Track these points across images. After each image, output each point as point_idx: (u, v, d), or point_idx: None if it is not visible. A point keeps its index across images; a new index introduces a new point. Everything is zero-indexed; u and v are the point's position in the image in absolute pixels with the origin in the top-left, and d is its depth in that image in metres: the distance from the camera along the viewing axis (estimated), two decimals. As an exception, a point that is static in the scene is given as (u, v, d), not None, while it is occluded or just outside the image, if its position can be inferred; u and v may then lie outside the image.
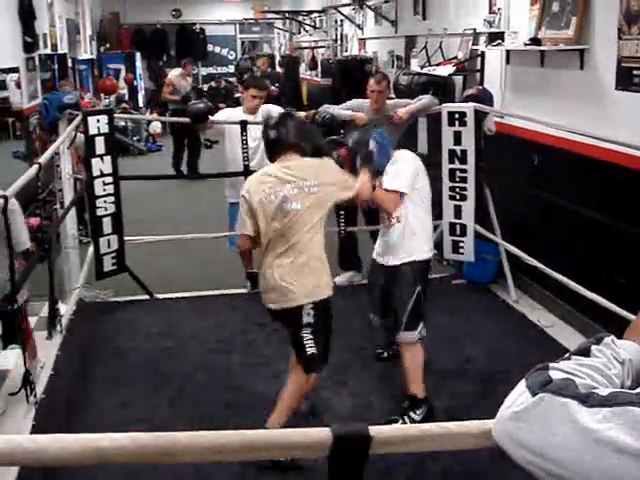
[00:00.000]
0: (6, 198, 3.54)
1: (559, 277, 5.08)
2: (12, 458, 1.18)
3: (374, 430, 1.22)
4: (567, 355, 1.18)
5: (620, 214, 4.69)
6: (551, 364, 1.15)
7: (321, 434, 1.22)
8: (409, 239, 4.06)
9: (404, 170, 4.02)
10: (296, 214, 3.56)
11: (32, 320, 5.39)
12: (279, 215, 3.56)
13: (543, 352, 4.52)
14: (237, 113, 5.91)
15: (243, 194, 3.68)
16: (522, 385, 1.13)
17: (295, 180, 3.60)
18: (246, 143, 5.74)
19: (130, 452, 1.22)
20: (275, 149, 3.78)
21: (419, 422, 3.95)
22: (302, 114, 5.71)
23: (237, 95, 13.69)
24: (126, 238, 5.93)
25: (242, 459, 1.30)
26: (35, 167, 4.26)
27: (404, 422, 4.04)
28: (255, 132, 5.80)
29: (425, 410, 4.07)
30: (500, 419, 1.14)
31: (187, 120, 6.17)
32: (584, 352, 1.18)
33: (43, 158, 4.58)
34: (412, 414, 4.08)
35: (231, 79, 17.40)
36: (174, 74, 12.49)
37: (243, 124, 5.71)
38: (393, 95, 6.87)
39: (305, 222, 3.58)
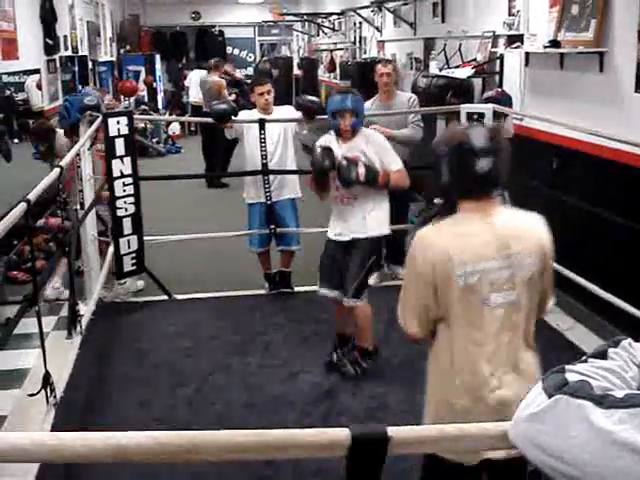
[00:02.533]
0: (29, 202, 3.58)
1: (578, 279, 5.06)
2: (36, 455, 1.20)
3: (392, 430, 1.23)
4: (584, 358, 1.19)
5: (639, 216, 4.67)
6: (567, 366, 1.16)
7: (339, 434, 1.23)
8: (365, 216, 4.42)
9: (389, 147, 4.53)
10: None
11: (51, 320, 5.47)
12: None
13: (561, 355, 4.50)
14: (253, 115, 5.94)
15: None
16: (538, 387, 1.14)
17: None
18: (264, 142, 5.77)
19: (150, 450, 1.23)
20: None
21: (365, 368, 4.59)
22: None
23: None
24: (146, 238, 5.97)
25: (260, 458, 1.31)
26: (57, 170, 4.30)
27: (355, 371, 4.60)
28: (272, 133, 5.82)
29: (375, 358, 4.66)
30: (517, 420, 1.15)
31: (209, 120, 6.19)
32: (601, 355, 1.18)
33: (64, 161, 4.62)
34: (363, 363, 4.62)
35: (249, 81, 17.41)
36: (218, 78, 12.21)
37: (261, 122, 5.74)
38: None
39: None
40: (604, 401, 1.04)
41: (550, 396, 1.10)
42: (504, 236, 2.38)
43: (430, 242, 2.39)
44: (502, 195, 5.87)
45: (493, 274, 2.35)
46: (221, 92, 11.75)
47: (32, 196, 3.69)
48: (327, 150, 4.34)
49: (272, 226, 5.96)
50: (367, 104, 6.25)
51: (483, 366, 2.38)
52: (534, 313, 2.47)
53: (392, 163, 4.44)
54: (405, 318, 2.47)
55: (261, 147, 5.78)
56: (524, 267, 2.38)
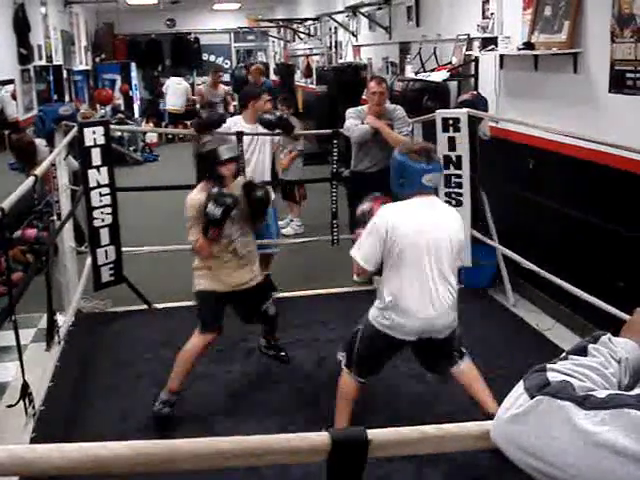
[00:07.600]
0: (3, 210, 3.55)
1: (556, 280, 5.08)
2: (12, 468, 1.18)
3: (372, 433, 1.22)
4: (564, 354, 1.18)
5: (615, 216, 4.70)
6: (549, 365, 1.15)
7: (319, 438, 1.22)
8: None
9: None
10: None
11: (30, 332, 5.41)
12: None
13: (542, 355, 4.49)
14: (237, 123, 5.90)
15: None
16: (520, 387, 1.13)
17: None
18: (242, 153, 5.73)
19: (129, 460, 1.22)
20: None
21: None
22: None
23: (234, 104, 13.67)
24: (124, 249, 5.92)
25: (242, 465, 1.30)
26: (31, 179, 4.26)
27: None
28: (247, 140, 5.81)
29: None
30: (498, 421, 1.15)
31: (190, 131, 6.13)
32: (581, 351, 1.18)
33: (39, 170, 4.58)
34: None
35: (226, 88, 17.37)
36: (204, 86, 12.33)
37: (238, 135, 5.71)
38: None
39: None
40: (586, 402, 1.03)
41: (532, 397, 1.09)
42: None
43: None
44: (479, 195, 5.82)
45: None
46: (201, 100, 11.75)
47: (6, 204, 3.66)
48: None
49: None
50: (357, 110, 6.08)
51: None
52: None
53: None
54: None
55: None
56: None
